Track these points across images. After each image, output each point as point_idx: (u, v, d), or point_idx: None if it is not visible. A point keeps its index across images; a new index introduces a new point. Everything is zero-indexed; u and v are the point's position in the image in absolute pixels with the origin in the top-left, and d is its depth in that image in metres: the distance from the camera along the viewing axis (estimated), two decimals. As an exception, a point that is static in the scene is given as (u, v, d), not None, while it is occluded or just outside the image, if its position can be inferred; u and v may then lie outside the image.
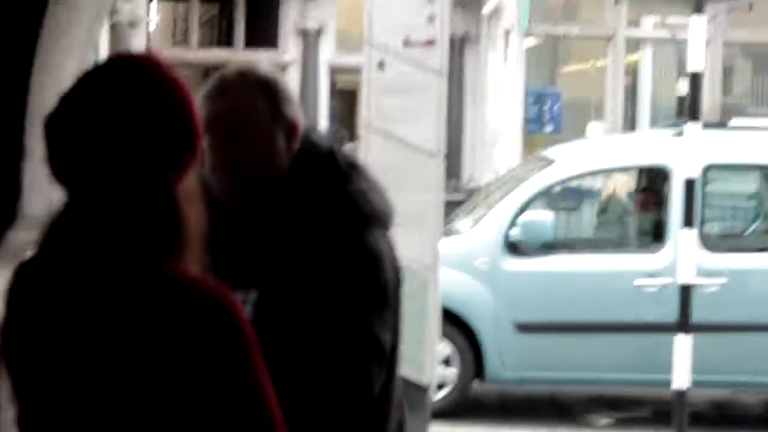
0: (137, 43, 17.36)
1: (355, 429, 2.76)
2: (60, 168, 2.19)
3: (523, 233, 9.71)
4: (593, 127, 17.20)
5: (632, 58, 17.91)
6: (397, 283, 2.84)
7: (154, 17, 21.56)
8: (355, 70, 9.80)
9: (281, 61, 18.05)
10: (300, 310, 2.70)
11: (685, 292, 7.76)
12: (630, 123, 17.64)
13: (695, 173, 7.94)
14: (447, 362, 9.59)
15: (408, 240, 6.78)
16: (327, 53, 18.10)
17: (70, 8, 3.14)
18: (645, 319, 9.48)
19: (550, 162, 10.37)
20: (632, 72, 17.94)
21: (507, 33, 17.27)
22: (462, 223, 10.28)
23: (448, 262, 8.62)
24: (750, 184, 10.93)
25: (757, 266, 9.81)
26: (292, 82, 17.93)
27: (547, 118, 17.28)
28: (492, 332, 9.63)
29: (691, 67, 7.85)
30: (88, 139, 2.15)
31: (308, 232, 2.75)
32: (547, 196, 10.38)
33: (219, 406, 2.12)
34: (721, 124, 10.83)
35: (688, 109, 7.95)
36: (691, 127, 7.83)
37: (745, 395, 10.66)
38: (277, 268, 2.75)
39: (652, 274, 9.53)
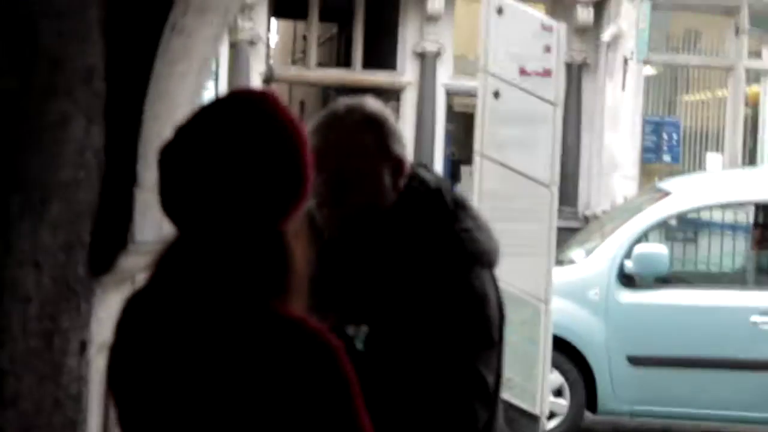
0: (256, 62, 17.55)
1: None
2: (170, 200, 2.20)
3: (637, 265, 9.62)
4: (712, 158, 16.98)
5: (753, 89, 17.67)
6: (501, 320, 2.85)
7: (274, 36, 21.79)
8: (472, 94, 9.79)
9: (399, 83, 18.10)
10: (408, 347, 2.71)
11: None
12: (749, 154, 17.39)
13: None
14: (559, 392, 9.52)
15: (520, 269, 6.75)
16: (444, 76, 18.10)
17: (186, 36, 3.16)
18: (760, 357, 9.35)
19: (666, 194, 10.26)
20: (753, 103, 17.69)
21: (626, 61, 17.14)
22: (576, 252, 10.23)
23: (561, 292, 8.59)
24: None
25: None
26: (409, 103, 17.96)
27: (665, 148, 17.10)
28: (604, 364, 9.57)
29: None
30: (201, 176, 2.16)
31: (416, 270, 2.75)
32: (663, 228, 10.26)
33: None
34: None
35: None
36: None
37: None
38: (385, 305, 2.76)
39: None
